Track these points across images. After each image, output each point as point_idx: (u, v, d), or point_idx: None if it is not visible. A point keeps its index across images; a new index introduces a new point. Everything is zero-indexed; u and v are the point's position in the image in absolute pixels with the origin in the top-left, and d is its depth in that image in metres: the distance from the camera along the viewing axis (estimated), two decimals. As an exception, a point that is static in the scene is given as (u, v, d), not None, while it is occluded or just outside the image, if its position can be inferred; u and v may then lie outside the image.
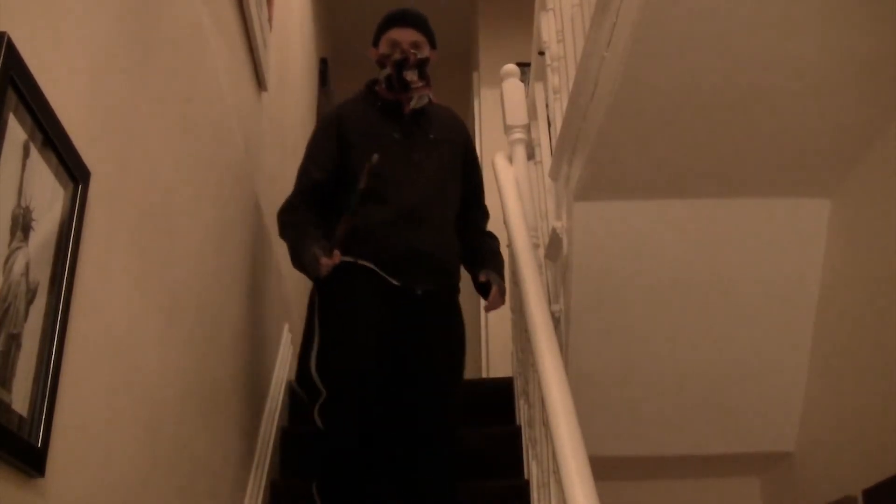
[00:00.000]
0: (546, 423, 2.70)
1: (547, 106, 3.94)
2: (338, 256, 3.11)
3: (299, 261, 3.25)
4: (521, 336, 3.70)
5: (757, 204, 3.24)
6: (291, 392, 4.22)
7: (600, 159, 2.98)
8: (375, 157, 3.18)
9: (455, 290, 3.48)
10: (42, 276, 1.56)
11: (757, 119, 2.82)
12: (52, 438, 1.55)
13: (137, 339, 2.09)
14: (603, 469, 2.70)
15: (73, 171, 1.67)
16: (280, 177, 4.29)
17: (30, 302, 1.50)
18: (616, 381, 3.65)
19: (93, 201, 1.76)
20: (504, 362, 5.39)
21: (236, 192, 3.21)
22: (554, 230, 3.48)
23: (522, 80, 4.30)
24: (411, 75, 3.35)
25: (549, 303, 3.44)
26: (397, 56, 3.37)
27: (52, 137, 1.56)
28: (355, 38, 7.35)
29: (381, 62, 3.45)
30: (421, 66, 3.40)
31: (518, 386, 3.99)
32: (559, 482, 2.45)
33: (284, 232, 3.39)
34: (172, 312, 2.39)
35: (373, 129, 3.39)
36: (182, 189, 2.49)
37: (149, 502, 2.14)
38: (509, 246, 3.75)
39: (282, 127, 4.46)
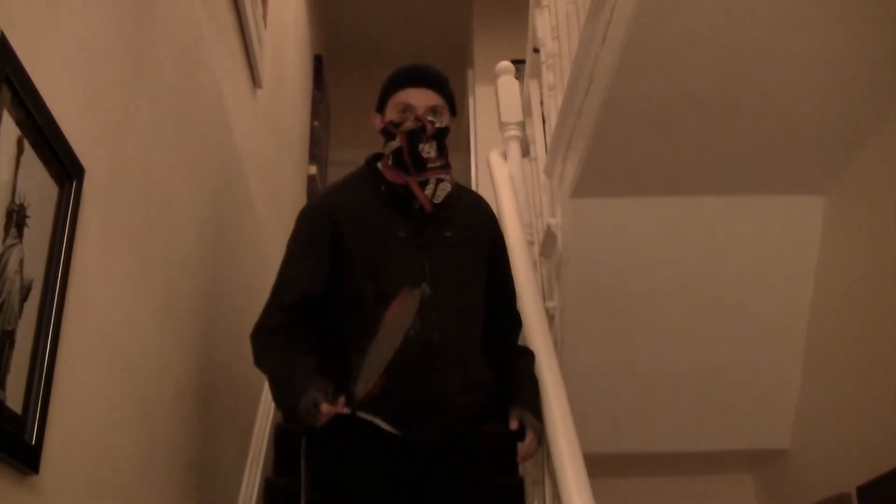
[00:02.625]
0: (541, 419, 2.70)
1: (542, 103, 3.94)
2: (342, 402, 2.32)
3: (289, 403, 2.42)
4: (515, 333, 3.69)
5: (751, 201, 3.24)
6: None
7: (595, 156, 2.98)
8: (426, 289, 2.38)
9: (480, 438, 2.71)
10: (36, 273, 1.55)
11: (751, 116, 2.83)
12: (46, 436, 1.55)
13: (132, 337, 2.09)
14: (597, 466, 2.71)
15: (68, 167, 1.67)
16: (274, 175, 4.29)
17: (24, 299, 1.50)
18: (610, 378, 3.65)
19: (87, 198, 1.75)
20: (499, 359, 5.38)
21: (230, 190, 3.21)
22: (548, 227, 3.48)
23: (517, 77, 4.29)
24: (428, 150, 2.61)
25: (544, 299, 3.44)
26: (410, 124, 2.62)
27: (46, 134, 1.56)
28: (350, 35, 7.39)
29: (389, 132, 2.67)
30: (440, 137, 2.64)
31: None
32: (553, 479, 2.45)
33: (264, 361, 2.58)
34: (167, 310, 2.38)
35: (372, 224, 2.61)
36: (176, 186, 2.49)
37: (143, 500, 2.14)
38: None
39: (277, 124, 4.46)
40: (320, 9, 6.92)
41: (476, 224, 2.78)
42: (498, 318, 2.80)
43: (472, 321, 2.66)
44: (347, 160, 7.42)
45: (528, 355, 2.85)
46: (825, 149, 3.02)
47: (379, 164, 2.72)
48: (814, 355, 3.49)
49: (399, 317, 2.30)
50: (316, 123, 6.07)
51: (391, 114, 2.70)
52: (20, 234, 1.48)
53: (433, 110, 2.67)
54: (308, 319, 2.58)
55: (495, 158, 4.13)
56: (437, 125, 2.64)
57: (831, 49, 2.58)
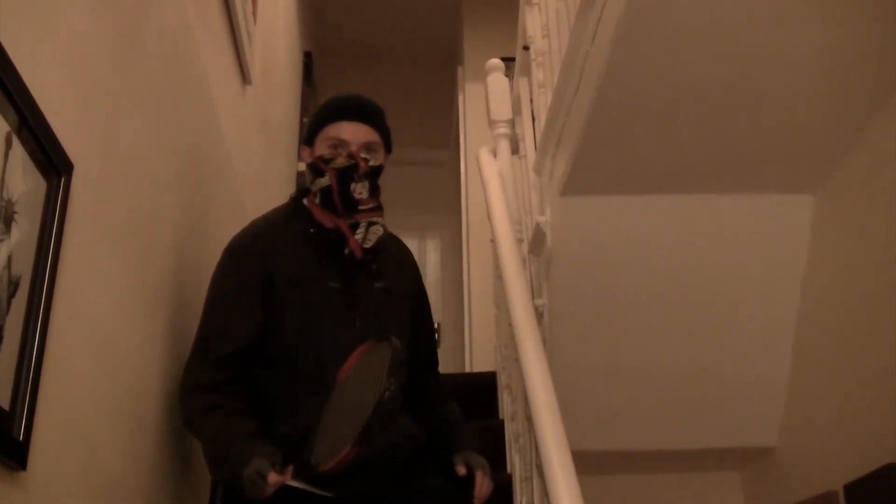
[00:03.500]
0: (529, 418, 2.71)
1: (531, 101, 3.94)
2: (290, 472, 2.11)
3: (230, 472, 2.15)
4: (504, 330, 3.70)
5: (740, 200, 3.24)
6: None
7: (584, 154, 2.98)
8: (396, 343, 2.19)
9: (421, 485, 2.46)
10: (24, 268, 1.55)
11: (740, 115, 2.83)
12: (34, 432, 1.55)
13: (120, 333, 2.08)
14: (586, 463, 2.71)
15: (56, 163, 1.66)
16: (263, 171, 4.28)
17: (12, 295, 1.50)
18: (599, 376, 3.66)
19: (76, 194, 1.75)
20: (487, 357, 5.40)
21: (220, 186, 3.21)
22: (538, 225, 3.48)
23: (507, 75, 4.29)
24: (361, 190, 2.42)
25: (533, 297, 3.44)
26: (342, 161, 2.42)
27: (34, 130, 1.56)
28: (339, 31, 7.39)
29: (318, 168, 2.47)
30: (373, 176, 2.48)
31: (501, 380, 3.99)
32: (542, 476, 2.45)
33: (197, 423, 2.32)
34: (155, 306, 2.38)
35: (303, 271, 2.40)
36: (165, 182, 2.49)
37: (132, 497, 2.14)
38: (493, 240, 3.74)
39: (265, 120, 4.45)
40: (310, 5, 6.92)
41: (404, 275, 2.65)
42: (422, 376, 2.63)
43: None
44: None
45: (450, 401, 2.73)
46: (815, 147, 3.02)
47: (306, 202, 2.52)
48: (802, 354, 3.50)
49: (360, 374, 2.13)
50: (305, 120, 6.06)
51: (321, 148, 2.48)
52: (8, 230, 1.48)
53: (367, 147, 2.48)
54: (241, 375, 2.32)
55: (485, 156, 4.12)
56: (371, 163, 2.47)
57: (821, 47, 2.58)
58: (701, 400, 3.72)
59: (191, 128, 2.79)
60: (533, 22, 3.78)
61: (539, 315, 3.40)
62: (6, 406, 1.47)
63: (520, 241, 3.69)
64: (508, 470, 3.51)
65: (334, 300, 2.39)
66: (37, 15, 1.60)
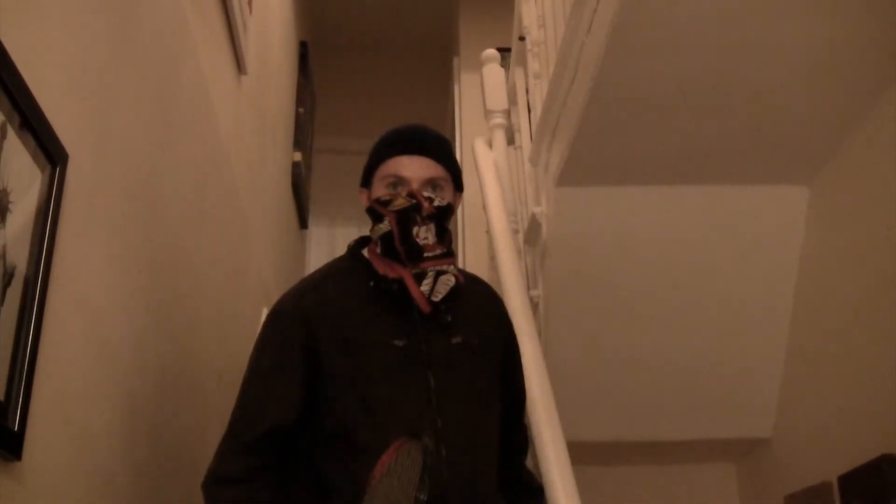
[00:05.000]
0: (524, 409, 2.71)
1: (527, 91, 3.94)
2: None
3: None
4: (499, 321, 3.70)
5: (736, 191, 3.25)
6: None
7: (580, 145, 2.98)
8: (427, 443, 1.94)
9: None
10: (19, 259, 1.55)
11: (736, 106, 2.83)
12: (28, 422, 1.54)
13: (115, 323, 2.08)
14: (580, 454, 2.72)
15: (51, 153, 1.66)
16: (258, 162, 4.28)
17: (6, 285, 1.50)
18: (594, 367, 3.66)
19: (71, 184, 1.75)
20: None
21: (214, 176, 3.20)
22: (533, 215, 3.48)
23: (503, 66, 4.29)
24: (425, 234, 2.07)
25: (528, 288, 3.44)
26: (402, 202, 2.07)
27: (29, 119, 1.55)
28: (335, 21, 7.37)
29: (376, 212, 2.13)
30: (440, 218, 2.10)
31: (496, 371, 3.99)
32: (537, 467, 2.45)
33: None
34: (150, 296, 2.38)
35: (359, 330, 2.05)
36: (160, 172, 2.48)
37: (126, 487, 2.14)
38: (488, 231, 3.74)
39: (261, 110, 4.44)
40: (306, -5, 6.90)
41: (488, 324, 2.23)
42: (510, 429, 2.27)
43: (488, 446, 2.12)
44: (332, 147, 7.45)
45: (539, 488, 2.39)
46: (810, 139, 3.02)
47: (366, 252, 2.21)
48: (796, 345, 3.50)
49: (394, 475, 1.88)
50: (301, 110, 6.06)
51: (378, 189, 2.14)
52: (3, 220, 1.48)
53: (432, 184, 2.11)
54: (277, 459, 2.04)
55: (480, 146, 4.13)
56: (437, 203, 2.08)
57: (816, 40, 2.58)
58: (696, 391, 3.72)
59: (185, 118, 2.78)
60: (529, 12, 3.78)
61: (534, 306, 3.40)
62: (1, 397, 1.47)
63: (515, 231, 3.69)
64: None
65: (399, 360, 2.02)
66: (32, 6, 1.60)
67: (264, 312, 4.21)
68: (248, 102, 3.99)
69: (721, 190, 3.25)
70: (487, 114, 4.19)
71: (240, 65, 3.71)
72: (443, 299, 2.06)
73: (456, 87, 6.89)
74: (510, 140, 4.15)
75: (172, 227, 2.62)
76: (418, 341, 2.04)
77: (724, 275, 3.44)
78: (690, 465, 4.41)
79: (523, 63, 3.97)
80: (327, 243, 7.52)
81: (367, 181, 2.22)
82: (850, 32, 2.57)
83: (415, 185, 2.09)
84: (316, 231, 7.35)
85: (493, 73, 4.23)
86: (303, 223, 6.53)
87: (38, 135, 1.60)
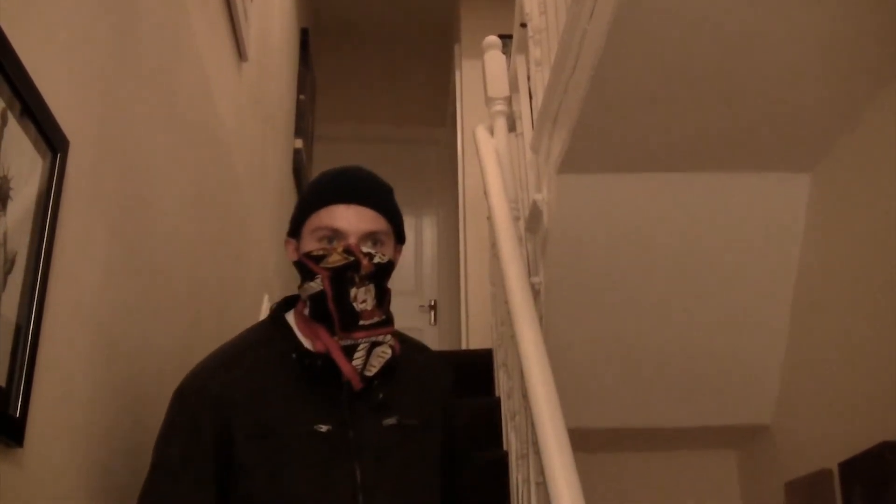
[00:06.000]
0: (525, 395, 2.71)
1: (529, 78, 3.94)
2: None
3: None
4: (500, 308, 3.70)
5: (737, 178, 3.24)
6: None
7: (581, 132, 2.97)
8: None
9: None
10: (20, 246, 1.55)
11: (739, 94, 2.82)
12: (30, 409, 1.55)
13: (117, 311, 2.08)
14: (581, 441, 2.72)
15: (52, 140, 1.66)
16: (260, 149, 4.27)
17: (8, 272, 1.50)
18: (595, 354, 3.66)
19: (72, 171, 1.75)
20: (484, 334, 5.40)
21: (215, 163, 3.20)
22: (534, 202, 3.48)
23: (504, 52, 4.29)
24: (364, 297, 1.81)
25: (529, 275, 3.44)
26: (338, 258, 1.82)
27: (30, 106, 1.55)
28: (336, 8, 7.36)
29: (306, 268, 1.88)
30: (381, 277, 1.86)
31: (498, 357, 4.00)
32: (538, 453, 2.46)
33: None
34: (152, 283, 2.38)
35: (277, 413, 1.80)
36: (161, 159, 2.48)
37: (129, 476, 2.14)
38: (489, 218, 3.74)
39: (262, 98, 4.44)
40: (307, -18, 6.89)
41: (429, 399, 1.98)
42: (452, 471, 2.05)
43: None
44: (333, 135, 7.44)
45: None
46: (812, 126, 3.02)
47: (291, 316, 1.95)
48: (797, 332, 3.51)
49: None
50: (302, 97, 6.05)
51: (309, 242, 1.88)
52: (3, 207, 1.48)
53: (372, 238, 1.86)
54: None
55: (481, 134, 4.12)
56: (377, 260, 1.84)
57: (820, 28, 2.58)
58: (696, 378, 3.73)
59: (186, 105, 2.78)
60: (530, -1, 3.77)
61: (535, 293, 3.40)
62: (3, 383, 1.47)
63: (516, 218, 3.69)
64: (504, 447, 3.52)
65: (322, 450, 1.77)
66: (32, -9, 1.60)
67: (265, 299, 4.23)
68: (248, 89, 3.98)
69: (722, 177, 3.24)
70: (489, 101, 4.19)
71: (240, 52, 3.71)
72: (375, 374, 1.82)
73: (457, 74, 6.89)
74: (511, 127, 4.15)
75: (173, 214, 2.62)
76: (345, 425, 1.80)
77: (726, 262, 3.44)
78: (691, 452, 4.42)
79: (525, 50, 3.96)
80: (328, 230, 7.52)
81: (295, 231, 1.93)
82: (855, 22, 2.56)
83: (352, 240, 1.83)
84: (317, 218, 7.35)
85: (495, 60, 4.22)
86: (304, 210, 6.52)
87: (38, 122, 1.59)
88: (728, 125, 2.96)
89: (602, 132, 3.00)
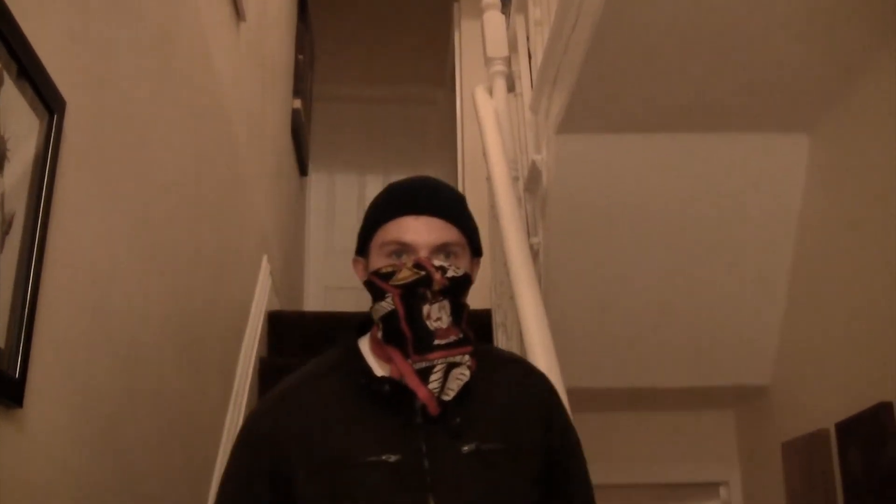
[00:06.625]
0: (524, 355, 2.72)
1: (528, 38, 3.92)
2: None
3: None
4: (499, 269, 3.70)
5: (736, 139, 3.24)
6: (270, 322, 4.24)
7: (581, 92, 2.96)
8: None
9: None
10: (18, 207, 1.55)
11: (738, 53, 2.81)
12: (29, 369, 1.55)
13: (115, 271, 2.08)
14: (580, 401, 2.73)
15: (49, 101, 1.65)
16: (258, 109, 4.26)
17: (5, 233, 1.50)
18: (594, 314, 3.67)
19: (69, 131, 1.74)
20: (482, 294, 5.40)
21: (213, 123, 3.19)
22: (533, 163, 3.47)
23: (503, 12, 4.26)
24: (438, 314, 1.65)
25: (528, 236, 3.44)
26: (408, 274, 1.66)
27: (27, 68, 1.55)
28: (335, -33, 7.30)
29: (376, 287, 1.71)
30: (456, 292, 1.68)
31: (496, 318, 4.00)
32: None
33: None
34: (150, 243, 2.38)
35: (342, 446, 1.63)
36: (159, 119, 2.47)
37: (126, 434, 2.15)
38: (488, 179, 3.74)
39: (260, 58, 4.42)
40: (305, -60, 6.84)
41: (518, 418, 1.73)
42: None
43: None
44: (332, 95, 7.42)
45: None
46: (811, 87, 3.01)
47: (362, 343, 1.78)
48: (796, 293, 3.51)
49: None
50: (300, 57, 6.03)
51: (378, 259, 1.72)
52: (1, 168, 1.47)
53: (444, 250, 1.70)
54: None
55: (480, 94, 4.11)
56: (451, 273, 1.67)
57: (819, -14, 2.57)
58: (695, 339, 3.74)
59: (183, 65, 2.77)
60: (530, -42, 3.74)
61: (534, 253, 3.40)
62: (2, 344, 1.48)
63: (515, 179, 3.68)
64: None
65: (391, 483, 1.59)
66: (27, -50, 1.59)
67: (264, 259, 4.23)
68: (247, 49, 3.96)
69: (722, 137, 3.24)
70: (488, 61, 4.17)
71: (239, 11, 3.69)
72: (455, 398, 1.64)
73: (456, 34, 6.86)
74: (511, 87, 4.13)
75: (171, 174, 2.61)
76: (419, 455, 1.60)
77: (725, 222, 3.44)
78: (689, 412, 4.43)
79: (524, 9, 3.94)
80: (327, 190, 7.53)
81: (363, 249, 1.78)
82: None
83: (423, 253, 1.67)
84: (316, 177, 7.35)
85: (494, 19, 4.20)
86: (303, 170, 6.53)
87: (35, 83, 1.59)
88: (727, 85, 2.95)
89: (601, 92, 2.99)
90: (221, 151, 3.34)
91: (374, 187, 7.39)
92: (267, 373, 3.96)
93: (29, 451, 1.60)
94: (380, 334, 1.70)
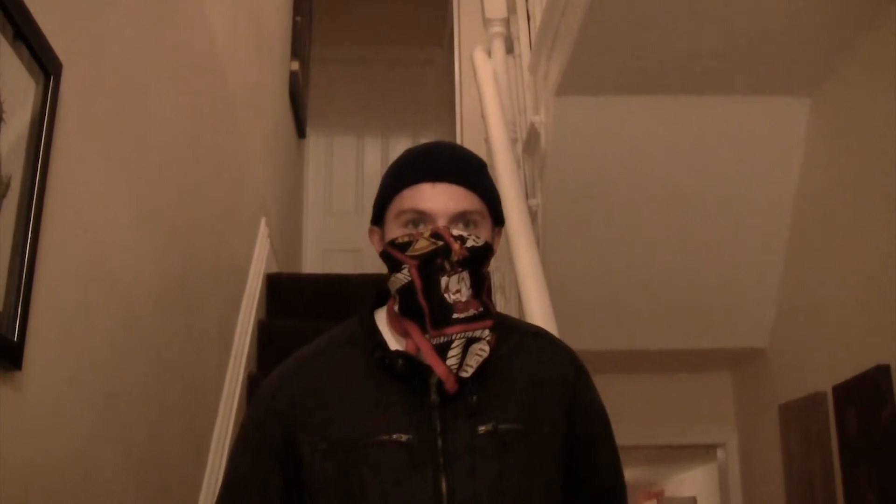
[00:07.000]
0: (523, 317, 2.72)
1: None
2: None
3: None
4: (498, 231, 3.70)
5: (737, 101, 3.23)
6: (269, 285, 4.24)
7: (580, 54, 2.95)
8: None
9: None
10: (15, 169, 1.54)
11: (739, 16, 2.80)
12: (28, 332, 1.55)
13: (112, 233, 2.08)
14: (578, 364, 2.73)
15: (45, 63, 1.64)
16: (255, 71, 4.24)
17: (2, 196, 1.49)
18: (592, 276, 3.67)
19: (65, 93, 1.73)
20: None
21: (210, 85, 3.18)
22: (532, 125, 3.46)
23: (502, -27, 4.24)
24: (457, 285, 1.57)
25: (527, 197, 3.44)
26: (425, 244, 1.57)
27: (22, 30, 1.54)
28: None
29: (392, 258, 1.62)
30: (476, 263, 1.59)
31: (495, 280, 4.00)
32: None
33: None
34: (148, 205, 2.37)
35: (354, 423, 1.57)
36: (155, 79, 2.46)
37: (125, 397, 2.16)
38: (487, 140, 3.73)
39: (258, 20, 4.39)
40: None
41: (540, 395, 1.65)
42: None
43: None
44: (330, 56, 7.39)
45: None
46: (813, 50, 3.00)
47: (381, 314, 1.71)
48: (794, 257, 3.51)
49: None
50: (298, 19, 5.99)
51: (394, 228, 1.63)
52: (-2, 131, 1.47)
53: (463, 219, 1.60)
54: None
55: (479, 56, 4.09)
56: (471, 243, 1.58)
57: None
58: (693, 301, 3.74)
59: (179, 26, 2.75)
60: (529, -82, 3.72)
61: (533, 215, 3.40)
62: (0, 308, 1.48)
63: (514, 141, 3.67)
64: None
65: (403, 463, 1.53)
66: None
67: (262, 222, 4.22)
68: (244, 11, 3.94)
69: (722, 100, 3.23)
70: (486, 22, 4.15)
71: (235, -28, 3.67)
72: (472, 376, 1.56)
73: (455, -5, 6.81)
74: (509, 49, 4.12)
75: (168, 136, 2.60)
76: (433, 434, 1.54)
77: (725, 185, 3.44)
78: (687, 374, 4.45)
79: (523, -30, 3.92)
80: (325, 152, 7.51)
81: (378, 218, 1.69)
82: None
83: (441, 222, 1.58)
84: (314, 140, 7.33)
85: (492, -20, 4.18)
86: (301, 132, 6.51)
87: (31, 45, 1.58)
88: (728, 48, 2.94)
89: (601, 54, 2.98)
90: (219, 114, 3.32)
91: (372, 149, 7.39)
92: (266, 335, 3.96)
93: (28, 414, 1.60)
94: (396, 307, 1.62)
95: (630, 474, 4.68)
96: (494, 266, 3.87)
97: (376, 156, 7.44)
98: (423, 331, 1.56)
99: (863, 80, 2.97)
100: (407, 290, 1.58)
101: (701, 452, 6.83)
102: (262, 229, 4.32)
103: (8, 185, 1.51)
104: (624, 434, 4.65)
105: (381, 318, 1.68)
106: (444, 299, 1.55)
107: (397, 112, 7.61)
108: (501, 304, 3.60)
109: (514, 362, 1.65)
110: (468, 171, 1.65)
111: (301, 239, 6.90)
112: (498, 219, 1.68)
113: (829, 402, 3.22)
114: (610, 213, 3.53)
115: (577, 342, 3.19)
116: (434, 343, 1.54)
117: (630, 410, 4.44)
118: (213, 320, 3.19)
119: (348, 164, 7.43)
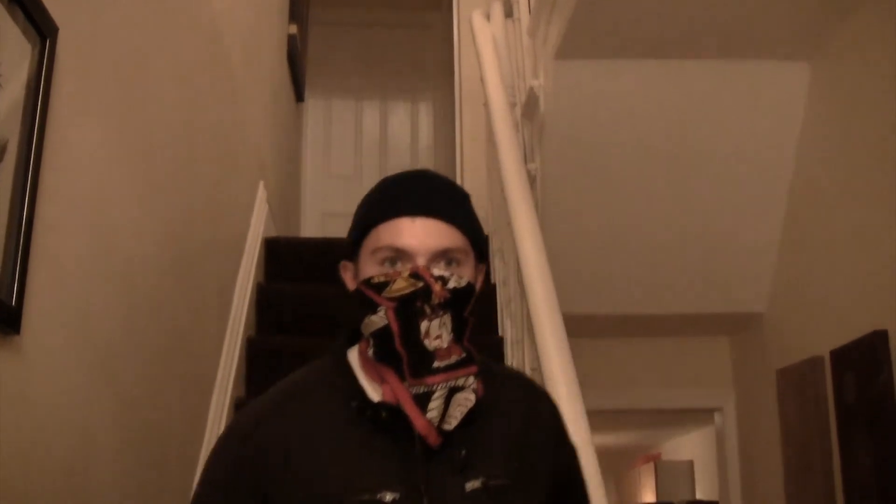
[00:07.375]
0: (521, 281, 2.72)
1: (526, -38, 3.88)
2: None
3: None
4: (496, 195, 3.70)
5: (737, 66, 3.22)
6: (267, 248, 4.25)
7: (580, 18, 2.94)
8: None
9: None
10: (11, 133, 1.54)
11: (738, -22, 2.79)
12: (26, 296, 1.55)
13: (111, 196, 2.08)
14: (576, 326, 2.74)
15: (41, 26, 1.64)
16: (253, 34, 4.22)
17: (-1, 159, 1.49)
18: (591, 240, 3.68)
19: (62, 57, 1.73)
20: (480, 221, 5.40)
21: (208, 50, 3.16)
22: (531, 89, 3.45)
23: (501, -65, 4.21)
24: (438, 330, 1.42)
25: (526, 162, 3.43)
26: (404, 285, 1.42)
27: (17, -9, 1.53)
28: None
29: (366, 298, 1.46)
30: (458, 305, 1.45)
31: (493, 244, 4.01)
32: (533, 339, 2.48)
33: None
34: (146, 169, 2.37)
35: (334, 478, 1.42)
36: (153, 43, 2.45)
37: (124, 361, 2.16)
38: (486, 105, 3.72)
39: (255, -19, 4.37)
40: None
41: (524, 446, 1.54)
42: None
43: None
44: (329, 19, 7.35)
45: None
46: (812, 14, 2.99)
47: (352, 356, 1.56)
48: (793, 222, 3.51)
49: None
50: (296, -19, 5.96)
51: (369, 266, 1.47)
52: (-6, 94, 1.46)
53: (445, 257, 1.46)
54: None
55: (478, 19, 4.07)
56: (453, 284, 1.44)
57: None
58: (692, 266, 3.75)
59: (178, -11, 2.74)
60: None
61: (532, 179, 3.40)
62: (-2, 272, 1.48)
63: (513, 105, 3.66)
64: (500, 333, 3.55)
65: None
66: None
67: (261, 186, 4.22)
68: (241, -27, 3.92)
69: (722, 65, 3.22)
70: (485, -15, 4.13)
71: (233, -66, 3.64)
72: (457, 427, 1.43)
73: (454, -42, 6.78)
74: (508, 12, 4.10)
75: (166, 102, 2.59)
76: (416, 493, 1.41)
77: (723, 149, 3.43)
78: (685, 339, 4.46)
79: (522, -68, 3.90)
80: (323, 115, 7.48)
81: (352, 253, 1.53)
82: None
83: (421, 261, 1.43)
84: (312, 103, 7.31)
85: (492, -57, 4.15)
86: (299, 96, 6.49)
87: (27, 8, 1.57)
88: (728, 12, 2.93)
89: (600, 17, 2.97)
90: (217, 77, 3.31)
91: (370, 112, 7.36)
92: (264, 299, 3.98)
93: (27, 378, 1.61)
94: (370, 351, 1.47)
95: (627, 438, 4.70)
96: (492, 230, 3.87)
97: (375, 119, 7.41)
98: (402, 377, 1.42)
99: (862, 45, 2.96)
100: (383, 335, 1.44)
101: (698, 416, 6.86)
102: (261, 193, 4.32)
103: (4, 149, 1.51)
104: (622, 398, 4.68)
105: (354, 358, 1.55)
106: (425, 346, 1.41)
107: (396, 75, 7.58)
108: (500, 268, 3.60)
109: (499, 411, 1.53)
110: (450, 204, 1.51)
111: (299, 203, 6.90)
112: (481, 255, 1.55)
113: (827, 366, 3.23)
114: (609, 176, 3.53)
115: (575, 305, 3.21)
116: (413, 393, 1.41)
117: (628, 374, 4.46)
118: (211, 283, 3.19)
119: (347, 128, 7.41)
